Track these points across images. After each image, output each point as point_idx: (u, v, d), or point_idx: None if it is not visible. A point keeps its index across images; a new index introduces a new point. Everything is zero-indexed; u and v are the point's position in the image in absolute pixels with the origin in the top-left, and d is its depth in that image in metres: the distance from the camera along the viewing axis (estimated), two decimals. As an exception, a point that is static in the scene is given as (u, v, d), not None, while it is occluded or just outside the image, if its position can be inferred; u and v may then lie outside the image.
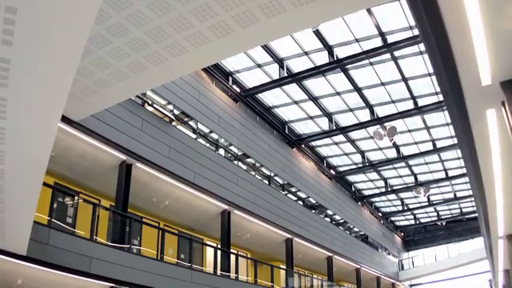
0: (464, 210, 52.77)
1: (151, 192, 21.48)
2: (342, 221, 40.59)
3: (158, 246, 19.57)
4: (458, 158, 36.15)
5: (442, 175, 40.95)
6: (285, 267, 29.98)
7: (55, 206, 15.77)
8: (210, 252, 24.36)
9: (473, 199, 35.85)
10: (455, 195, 46.60)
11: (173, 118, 21.52)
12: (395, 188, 44.28)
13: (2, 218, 9.25)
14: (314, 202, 35.58)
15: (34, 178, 8.38)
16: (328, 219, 37.87)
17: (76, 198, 18.83)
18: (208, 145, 24.19)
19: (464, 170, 36.64)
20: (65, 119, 14.89)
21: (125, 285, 17.06)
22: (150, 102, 20.59)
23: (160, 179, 20.49)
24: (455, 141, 31.54)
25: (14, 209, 9.04)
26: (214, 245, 25.00)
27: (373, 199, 48.49)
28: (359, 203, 45.55)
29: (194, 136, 23.04)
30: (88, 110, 14.54)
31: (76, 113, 14.52)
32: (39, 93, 7.08)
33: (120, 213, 18.15)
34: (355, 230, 43.43)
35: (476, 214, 25.82)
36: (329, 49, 23.91)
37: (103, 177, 19.49)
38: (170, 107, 21.76)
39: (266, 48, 23.70)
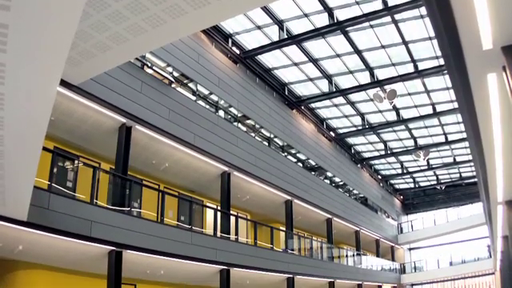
0: (463, 175, 52.93)
1: (151, 154, 21.50)
2: (341, 183, 40.74)
3: (158, 208, 19.65)
4: (458, 123, 36.13)
5: (442, 139, 40.96)
6: (284, 229, 30.19)
7: (55, 170, 15.76)
8: (209, 214, 24.50)
9: (472, 164, 35.90)
10: (455, 159, 46.71)
11: (172, 80, 21.40)
12: (395, 151, 44.33)
13: (2, 184, 9.26)
14: (313, 163, 35.65)
15: (34, 143, 8.37)
16: (327, 181, 38.01)
17: (76, 161, 18.84)
18: (208, 106, 24.12)
19: (464, 135, 36.72)
20: (64, 83, 14.80)
21: (125, 248, 17.20)
22: (150, 65, 20.45)
23: (160, 141, 20.48)
24: (455, 105, 31.54)
25: (14, 174, 9.04)
26: (214, 206, 25.06)
27: (372, 162, 48.59)
28: (359, 166, 45.70)
29: (194, 98, 22.94)
30: (87, 74, 14.44)
31: (75, 76, 14.42)
32: (38, 57, 7.02)
33: (120, 176, 18.17)
34: (355, 192, 43.63)
35: (475, 179, 25.90)
36: (329, 11, 23.70)
37: (103, 140, 19.47)
38: (170, 69, 21.63)
39: (266, 10, 23.49)
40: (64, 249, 16.47)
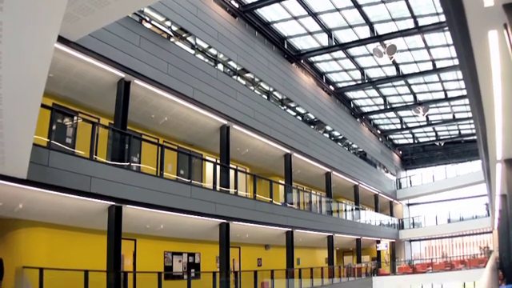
0: (462, 132, 52.96)
1: (150, 109, 21.45)
2: (340, 137, 40.81)
3: (157, 162, 19.68)
4: (458, 80, 36.01)
5: (442, 96, 40.76)
6: (284, 182, 30.35)
7: (54, 127, 15.73)
8: (209, 167, 24.55)
9: (472, 121, 35.89)
10: (454, 116, 46.59)
11: (171, 34, 21.22)
12: (394, 106, 44.21)
13: (1, 142, 9.25)
14: (312, 117, 35.64)
15: (33, 100, 8.34)
16: (327, 135, 38.05)
17: (75, 117, 18.78)
18: (207, 60, 23.97)
19: (463, 92, 36.67)
20: (62, 40, 14.69)
21: (125, 203, 17.32)
22: (148, 19, 20.25)
23: (159, 95, 20.41)
24: (455, 62, 31.36)
25: (13, 132, 9.03)
26: (213, 160, 25.13)
27: (372, 116, 48.50)
28: (358, 120, 45.67)
29: (193, 52, 22.77)
30: (85, 30, 14.31)
31: (73, 33, 14.29)
32: (35, 14, 6.96)
33: (119, 130, 18.13)
34: (354, 146, 43.72)
35: (474, 137, 25.90)
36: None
37: (102, 95, 19.39)
38: (168, 23, 21.42)
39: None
40: (64, 205, 16.58)
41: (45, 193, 14.73)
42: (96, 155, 16.71)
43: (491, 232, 49.11)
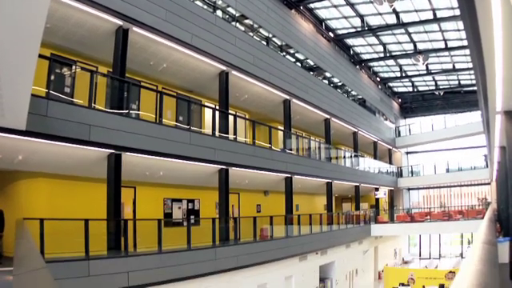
0: (462, 83, 52.73)
1: (149, 56, 21.29)
2: (340, 84, 40.64)
3: (156, 109, 19.64)
4: (458, 30, 35.61)
5: (442, 45, 40.39)
6: (283, 128, 30.36)
7: (53, 77, 15.60)
8: (208, 113, 24.49)
9: (472, 72, 35.61)
10: (454, 66, 46.31)
11: (168, -21, 20.90)
12: (394, 54, 43.89)
13: (0, 94, 9.20)
14: (312, 64, 35.44)
15: (30, 51, 8.24)
16: (326, 82, 37.89)
17: (73, 67, 18.62)
18: (205, 7, 23.68)
19: (464, 43, 36.37)
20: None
21: (124, 150, 17.35)
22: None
23: (157, 42, 20.23)
24: (456, 12, 31.03)
25: (11, 84, 8.94)
26: (213, 106, 25.08)
27: (371, 64, 48.20)
28: (357, 67, 45.40)
29: (191, -3, 22.49)
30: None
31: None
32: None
33: (118, 78, 18.03)
34: (353, 93, 43.59)
35: (474, 88, 25.73)
36: None
37: (100, 44, 19.24)
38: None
39: None
40: (63, 155, 16.62)
41: (44, 143, 14.74)
42: (95, 104, 16.64)
43: (489, 184, 49.39)
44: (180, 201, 25.45)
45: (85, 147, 16.04)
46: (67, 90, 17.20)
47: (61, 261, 13.97)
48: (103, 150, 16.91)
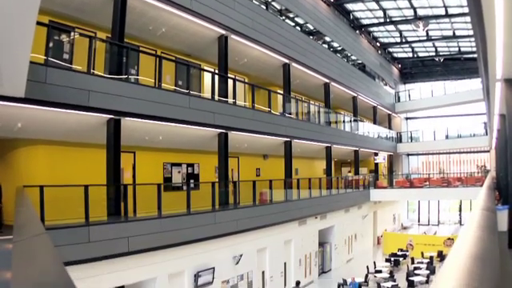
0: (462, 50, 52.36)
1: (147, 20, 21.13)
2: (339, 48, 40.39)
3: (155, 73, 19.54)
4: (459, -4, 35.33)
5: (442, 12, 40.00)
6: (282, 92, 30.26)
7: (51, 44, 15.46)
8: (207, 78, 24.43)
9: (472, 39, 35.33)
10: (454, 33, 45.95)
11: None
12: (394, 20, 43.52)
13: (-2, 63, 9.14)
14: (311, 28, 35.17)
15: (28, 18, 8.14)
16: (326, 46, 37.65)
17: (72, 33, 18.44)
18: (203, -31, 23.42)
19: (464, 10, 35.98)
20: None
21: (123, 115, 17.31)
22: None
23: (156, 7, 20.04)
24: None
25: (10, 52, 8.86)
26: (212, 70, 24.97)
27: (371, 29, 47.94)
28: (357, 32, 45.10)
29: (189, -39, 22.19)
30: None
31: None
32: None
33: (116, 43, 17.93)
34: (353, 58, 43.37)
35: (474, 55, 25.54)
36: None
37: (99, 9, 19.07)
38: None
39: None
40: (63, 121, 16.58)
41: (43, 110, 14.70)
42: (94, 70, 16.53)
43: (489, 151, 49.45)
44: (179, 165, 25.50)
45: (84, 113, 16.00)
46: (66, 56, 17.04)
47: (61, 227, 14.04)
48: (102, 115, 16.91)
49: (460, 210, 57.18)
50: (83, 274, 14.18)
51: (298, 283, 27.09)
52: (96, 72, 16.68)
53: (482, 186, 23.92)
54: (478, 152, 55.40)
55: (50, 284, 2.81)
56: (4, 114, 14.20)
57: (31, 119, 15.65)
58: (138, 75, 19.73)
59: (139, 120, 18.23)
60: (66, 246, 13.71)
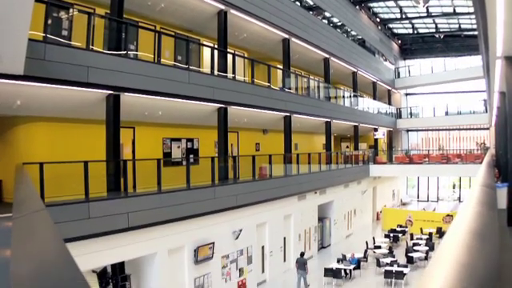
0: (463, 27, 52.16)
1: (146, -5, 21.03)
2: (339, 24, 40.16)
3: (154, 49, 19.48)
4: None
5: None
6: (282, 67, 30.15)
7: (50, 21, 15.36)
8: (206, 53, 24.36)
9: (472, 16, 35.11)
10: (454, 10, 45.69)
11: None
12: (394, -4, 43.30)
13: (-3, 40, 9.09)
14: (311, 3, 34.96)
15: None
16: (325, 21, 37.43)
17: (70, 10, 18.28)
18: None
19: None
20: None
21: (123, 90, 17.26)
22: None
23: (154, -19, 19.95)
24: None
25: (8, 29, 8.80)
26: (211, 45, 24.85)
27: (371, 4, 47.69)
28: (357, 7, 44.83)
29: None
30: None
31: None
32: None
33: (115, 19, 17.85)
34: (353, 33, 43.13)
35: (475, 32, 25.38)
36: None
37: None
38: None
39: None
40: (62, 98, 16.54)
41: (43, 87, 14.64)
42: (93, 46, 16.45)
43: (488, 129, 49.44)
44: (179, 140, 25.49)
45: (83, 89, 15.98)
46: (65, 33, 16.91)
47: (61, 204, 14.07)
48: (102, 91, 16.85)
49: (454, 187, 57.92)
50: (83, 250, 14.26)
51: (302, 254, 27.37)
52: (95, 48, 16.60)
53: (481, 163, 23.95)
54: (477, 129, 55.45)
55: (50, 260, 2.81)
56: (3, 92, 14.17)
57: (30, 96, 15.62)
58: (137, 51, 19.67)
59: (138, 95, 18.20)
60: (65, 222, 13.75)
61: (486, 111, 44.54)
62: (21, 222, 4.66)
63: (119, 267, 18.49)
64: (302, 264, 26.16)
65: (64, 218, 13.71)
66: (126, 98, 17.71)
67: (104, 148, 17.27)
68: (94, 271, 18.27)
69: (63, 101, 16.95)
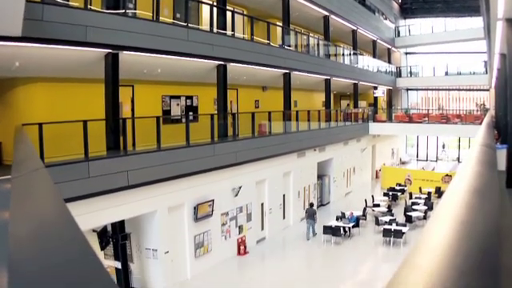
0: (464, -13, 51.38)
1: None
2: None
3: (153, 7, 19.29)
4: None
5: None
6: (281, 25, 29.90)
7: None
8: (206, 10, 24.12)
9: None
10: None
11: None
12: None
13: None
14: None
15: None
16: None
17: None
18: None
19: None
20: None
21: (121, 49, 17.17)
22: None
23: None
24: None
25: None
26: (210, 2, 24.57)
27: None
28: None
29: None
30: None
31: None
32: None
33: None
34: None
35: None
36: None
37: None
38: None
39: None
40: (61, 58, 16.48)
41: (41, 48, 14.57)
42: (91, 5, 16.28)
43: (488, 90, 49.26)
44: (178, 97, 25.40)
45: (82, 48, 15.93)
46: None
47: (60, 164, 14.10)
48: (100, 50, 16.81)
49: (444, 146, 57.98)
50: (83, 209, 14.36)
51: (311, 205, 27.83)
52: (93, 8, 16.44)
53: (480, 124, 23.97)
54: (477, 90, 55.29)
55: (50, 220, 2.81)
56: (1, 54, 14.14)
57: (29, 57, 15.58)
58: (135, 9, 19.46)
59: (137, 53, 18.09)
60: (66, 182, 13.82)
61: (486, 72, 44.34)
62: (20, 181, 4.65)
63: (119, 226, 18.64)
64: (311, 214, 27.19)
65: (64, 177, 13.77)
66: (125, 56, 17.62)
67: (103, 107, 17.24)
68: (94, 230, 18.49)
69: (62, 61, 16.88)
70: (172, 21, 21.02)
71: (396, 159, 54.03)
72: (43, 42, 14.25)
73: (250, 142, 24.09)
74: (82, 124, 15.32)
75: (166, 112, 24.40)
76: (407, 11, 60.23)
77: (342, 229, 26.63)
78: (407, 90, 58.58)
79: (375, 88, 46.81)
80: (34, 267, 1.79)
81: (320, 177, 34.35)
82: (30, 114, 17.03)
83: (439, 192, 35.76)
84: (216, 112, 23.98)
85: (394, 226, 26.39)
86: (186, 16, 21.18)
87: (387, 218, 28.48)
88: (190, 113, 25.61)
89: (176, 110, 25.04)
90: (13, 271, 1.71)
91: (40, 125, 14.21)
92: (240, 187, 23.50)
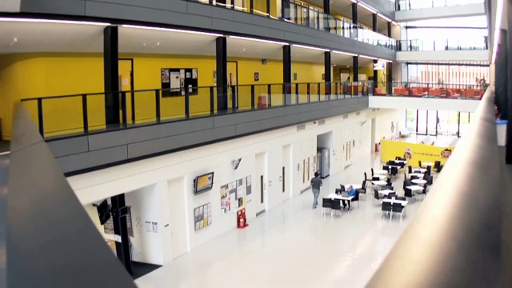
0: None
1: None
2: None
3: (151, -21, 19.12)
4: None
5: None
6: (281, -3, 29.74)
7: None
8: (204, -16, 23.94)
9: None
10: None
11: None
12: None
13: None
14: None
15: None
16: None
17: None
18: None
19: None
20: None
21: (120, 22, 17.07)
22: None
23: None
24: None
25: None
26: (209, -25, 24.43)
27: None
28: None
29: None
30: None
31: None
32: None
33: None
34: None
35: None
36: None
37: None
38: None
39: None
40: (59, 33, 16.43)
41: (40, 23, 14.53)
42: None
43: (488, 65, 49.04)
44: (177, 70, 25.31)
45: (81, 22, 15.85)
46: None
47: (60, 138, 14.09)
48: (99, 23, 16.72)
49: (438, 121, 57.79)
50: (83, 183, 14.41)
51: (316, 174, 28.19)
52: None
53: (480, 99, 23.92)
54: (477, 65, 55.06)
55: (50, 194, 2.80)
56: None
57: (27, 33, 15.52)
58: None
59: (136, 27, 18.00)
60: (65, 156, 13.84)
61: (487, 48, 44.12)
62: (19, 155, 4.64)
63: (119, 199, 18.64)
64: (317, 183, 27.81)
65: (63, 151, 13.77)
66: (124, 29, 17.52)
67: (102, 81, 17.19)
68: (94, 204, 18.51)
69: (60, 35, 16.82)
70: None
71: (395, 133, 54.02)
72: (41, 16, 14.16)
73: (250, 115, 24.05)
74: (81, 98, 15.28)
75: (166, 85, 24.33)
76: (407, -16, 59.62)
77: (341, 202, 26.70)
78: (407, 63, 58.31)
79: (375, 61, 46.59)
80: (34, 242, 1.79)
81: (320, 149, 34.37)
82: (29, 90, 17.00)
83: (439, 166, 35.81)
84: (215, 85, 23.93)
85: (393, 200, 26.44)
86: (185, -12, 21.03)
87: (386, 192, 28.54)
88: (190, 85, 25.55)
89: (175, 83, 24.97)
90: (12, 245, 1.71)
91: (39, 99, 14.16)
92: (239, 160, 23.54)
